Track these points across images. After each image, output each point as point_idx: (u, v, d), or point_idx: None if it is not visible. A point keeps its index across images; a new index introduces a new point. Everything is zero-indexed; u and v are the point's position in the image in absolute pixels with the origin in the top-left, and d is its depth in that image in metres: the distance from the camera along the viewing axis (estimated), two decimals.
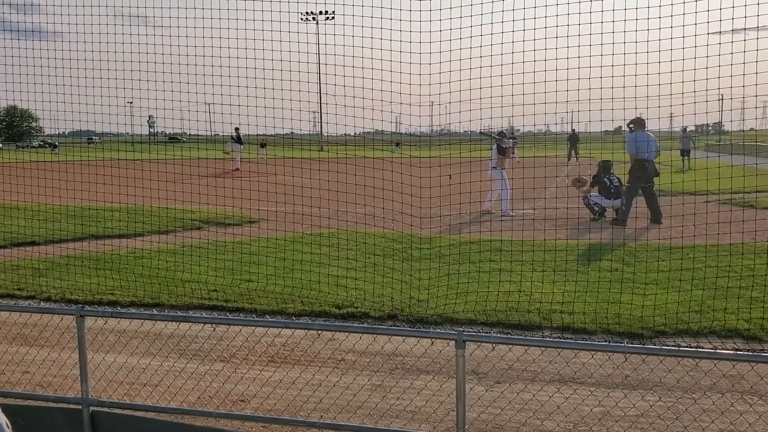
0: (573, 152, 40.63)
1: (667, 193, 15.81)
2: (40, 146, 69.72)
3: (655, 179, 14.99)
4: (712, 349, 6.49)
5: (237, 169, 31.30)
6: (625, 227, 14.01)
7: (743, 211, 13.94)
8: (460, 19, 7.49)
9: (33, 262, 10.69)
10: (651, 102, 7.43)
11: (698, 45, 6.70)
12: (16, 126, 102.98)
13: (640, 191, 14.73)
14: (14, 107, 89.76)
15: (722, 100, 8.99)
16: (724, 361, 5.47)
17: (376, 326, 6.97)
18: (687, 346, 6.61)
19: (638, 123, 14.69)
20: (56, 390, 5.87)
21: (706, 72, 6.80)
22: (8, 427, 1.69)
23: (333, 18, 8.48)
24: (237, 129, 31.26)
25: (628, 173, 14.75)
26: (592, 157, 25.79)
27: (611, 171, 16.00)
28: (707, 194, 14.54)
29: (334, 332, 6.88)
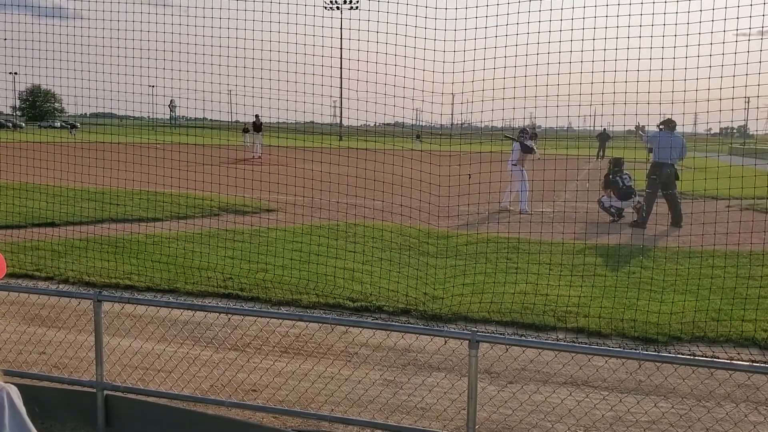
0: (601, 151, 40.32)
1: (689, 197, 15.66)
2: (62, 127, 70.23)
3: (677, 182, 14.84)
4: (728, 358, 6.43)
5: (259, 157, 31.20)
6: (645, 230, 13.89)
7: (766, 218, 13.77)
8: (486, 7, 7.41)
9: (52, 244, 10.80)
10: (676, 104, 7.33)
11: (727, 42, 6.61)
12: (39, 106, 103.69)
13: (662, 194, 14.57)
14: (37, 87, 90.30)
15: (748, 102, 8.87)
16: (739, 372, 5.42)
17: (389, 323, 6.98)
18: (702, 354, 6.56)
19: (668, 124, 14.35)
20: (71, 372, 5.93)
21: (734, 69, 6.68)
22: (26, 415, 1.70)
23: (357, 7, 8.46)
24: (257, 116, 31.10)
25: (646, 176, 14.65)
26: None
27: (622, 167, 15.82)
28: (729, 199, 14.38)
29: (347, 327, 6.89)
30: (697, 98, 7.03)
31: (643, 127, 14.95)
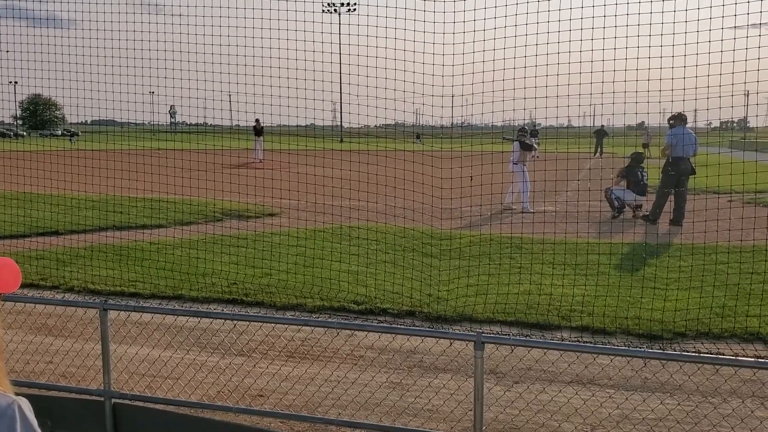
0: (599, 148, 40.31)
1: (692, 192, 15.60)
2: (63, 135, 70.27)
3: (692, 178, 14.57)
4: (733, 354, 6.44)
5: (260, 161, 31.19)
6: (648, 226, 13.83)
7: None
8: (485, 9, 7.44)
9: (56, 253, 10.82)
10: (676, 97, 7.32)
11: (725, 39, 6.62)
12: (40, 114, 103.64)
13: (673, 190, 14.28)
14: (38, 95, 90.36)
15: (748, 95, 8.85)
16: (745, 368, 5.43)
17: (394, 326, 6.99)
18: (707, 351, 6.56)
19: (678, 118, 14.02)
20: (79, 381, 5.97)
21: (733, 65, 6.68)
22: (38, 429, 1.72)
23: (355, 9, 8.47)
24: (257, 120, 31.01)
25: (661, 171, 14.39)
26: (614, 154, 25.54)
27: (642, 164, 15.72)
28: (731, 193, 14.36)
29: (353, 330, 6.90)
30: (697, 93, 7.04)
31: (647, 126, 14.99)
